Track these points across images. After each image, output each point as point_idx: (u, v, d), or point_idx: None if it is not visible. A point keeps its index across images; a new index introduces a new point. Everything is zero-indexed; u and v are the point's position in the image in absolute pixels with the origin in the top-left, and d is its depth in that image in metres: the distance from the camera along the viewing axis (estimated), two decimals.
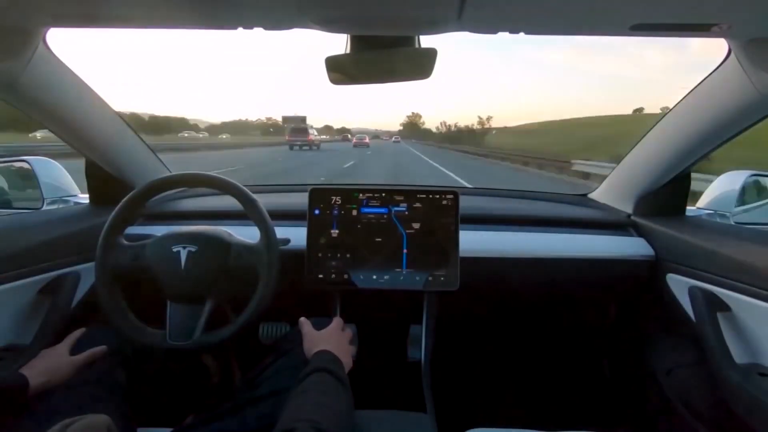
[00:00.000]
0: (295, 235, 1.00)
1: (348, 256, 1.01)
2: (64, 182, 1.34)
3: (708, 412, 0.92)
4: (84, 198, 1.24)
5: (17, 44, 0.74)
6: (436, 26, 0.66)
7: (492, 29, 0.65)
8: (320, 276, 1.01)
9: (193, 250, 0.86)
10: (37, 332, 0.88)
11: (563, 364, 1.42)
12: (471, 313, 1.34)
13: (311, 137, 23.77)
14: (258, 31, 0.67)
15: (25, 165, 1.33)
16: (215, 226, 0.93)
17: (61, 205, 1.28)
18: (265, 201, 0.90)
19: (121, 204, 0.89)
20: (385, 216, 1.02)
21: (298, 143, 23.22)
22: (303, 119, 25.19)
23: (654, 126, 1.06)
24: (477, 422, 0.78)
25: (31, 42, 0.76)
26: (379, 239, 1.01)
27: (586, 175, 11.14)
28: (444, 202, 1.01)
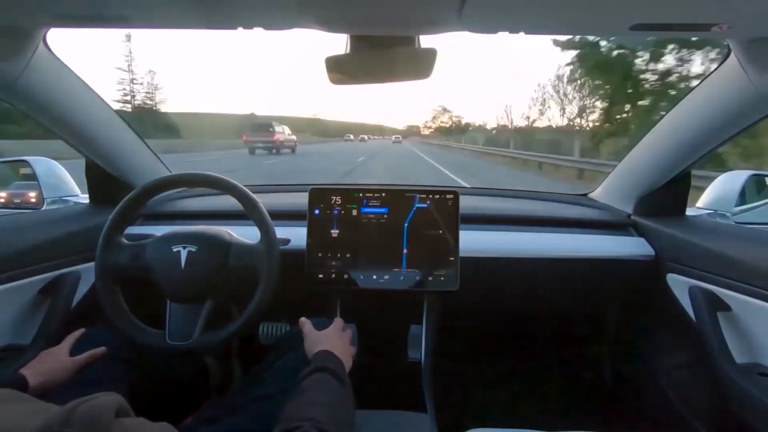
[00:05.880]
0: (295, 235, 1.00)
1: (348, 256, 1.01)
2: (64, 182, 1.34)
3: (708, 412, 0.92)
4: (84, 198, 1.24)
5: (17, 44, 0.75)
6: (436, 26, 0.66)
7: (492, 29, 0.65)
8: (320, 276, 1.01)
9: (193, 250, 0.86)
10: (37, 332, 0.88)
11: (563, 364, 1.42)
12: (471, 313, 1.34)
13: (278, 137, 17.71)
14: (258, 31, 0.67)
15: (25, 165, 1.33)
16: (215, 226, 0.93)
17: (61, 205, 1.28)
18: (265, 201, 0.90)
19: (121, 204, 0.89)
20: (385, 216, 1.02)
21: (260, 144, 17.41)
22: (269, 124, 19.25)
23: (654, 126, 1.06)
24: (477, 422, 0.78)
25: (31, 42, 0.76)
26: (379, 239, 1.01)
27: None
28: (444, 202, 1.01)
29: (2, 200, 1.27)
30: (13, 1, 0.61)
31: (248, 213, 0.89)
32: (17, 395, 0.43)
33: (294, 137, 20.64)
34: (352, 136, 66.22)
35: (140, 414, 0.46)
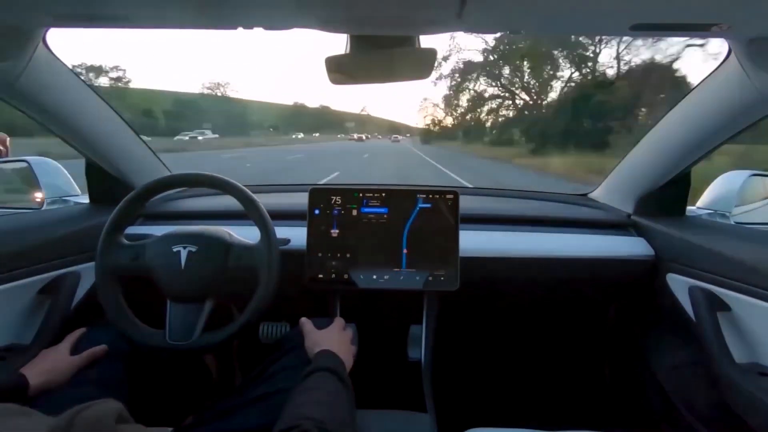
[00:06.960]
0: (295, 235, 1.00)
1: (348, 256, 1.01)
2: (64, 182, 1.34)
3: (708, 411, 0.92)
4: (84, 198, 1.24)
5: (17, 44, 0.74)
6: (436, 26, 0.66)
7: (492, 29, 0.65)
8: (320, 276, 1.01)
9: (193, 250, 0.86)
10: (37, 332, 0.88)
11: (563, 364, 1.42)
12: (471, 313, 1.34)
13: None
14: (258, 31, 0.67)
15: (25, 165, 1.33)
16: (215, 226, 0.93)
17: (61, 205, 1.28)
18: (265, 201, 0.90)
19: (121, 204, 0.89)
20: (385, 216, 1.02)
21: None
22: None
23: (654, 126, 1.06)
24: (477, 422, 0.78)
25: (31, 42, 0.76)
26: (379, 239, 1.01)
27: None
28: (444, 202, 1.01)
29: (38, 200, 1.28)
30: (13, 1, 0.61)
31: (248, 213, 0.89)
32: (17, 409, 0.42)
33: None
34: (355, 135, 71.61)
35: (140, 414, 0.45)
